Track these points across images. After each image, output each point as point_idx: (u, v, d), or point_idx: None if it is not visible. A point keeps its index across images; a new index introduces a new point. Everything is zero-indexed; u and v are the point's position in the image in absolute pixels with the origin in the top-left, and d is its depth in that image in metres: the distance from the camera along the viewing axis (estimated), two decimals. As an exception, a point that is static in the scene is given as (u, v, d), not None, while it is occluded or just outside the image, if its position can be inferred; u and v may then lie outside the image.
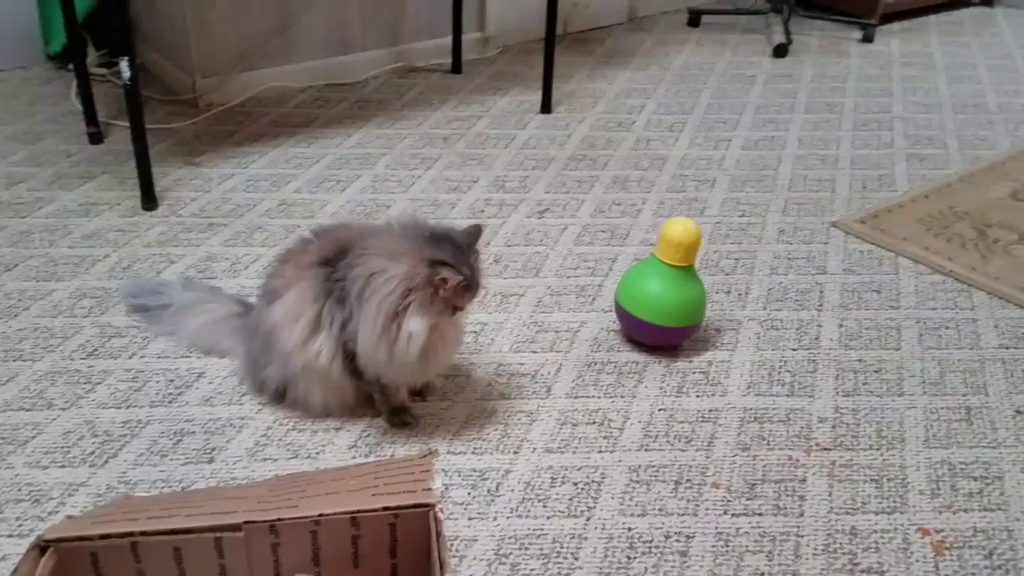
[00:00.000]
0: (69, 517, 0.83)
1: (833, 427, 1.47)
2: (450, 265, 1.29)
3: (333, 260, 1.36)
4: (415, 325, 1.29)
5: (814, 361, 1.63)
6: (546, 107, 2.60)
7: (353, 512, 0.81)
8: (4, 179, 2.13)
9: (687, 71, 2.96)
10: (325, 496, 0.85)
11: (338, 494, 0.86)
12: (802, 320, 1.74)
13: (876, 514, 1.31)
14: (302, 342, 1.37)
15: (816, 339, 1.69)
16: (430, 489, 0.85)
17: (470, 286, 1.32)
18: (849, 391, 1.56)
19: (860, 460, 1.41)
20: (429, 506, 0.83)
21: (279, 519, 0.79)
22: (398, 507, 0.82)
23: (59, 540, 0.75)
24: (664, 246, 1.56)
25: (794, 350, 1.66)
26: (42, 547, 0.75)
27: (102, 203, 2.05)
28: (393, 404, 1.46)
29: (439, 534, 0.79)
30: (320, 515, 0.80)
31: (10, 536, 1.22)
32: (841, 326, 1.73)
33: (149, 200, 2.03)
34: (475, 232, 1.37)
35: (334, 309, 1.34)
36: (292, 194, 2.13)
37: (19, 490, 1.30)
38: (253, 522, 0.78)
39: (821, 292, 1.83)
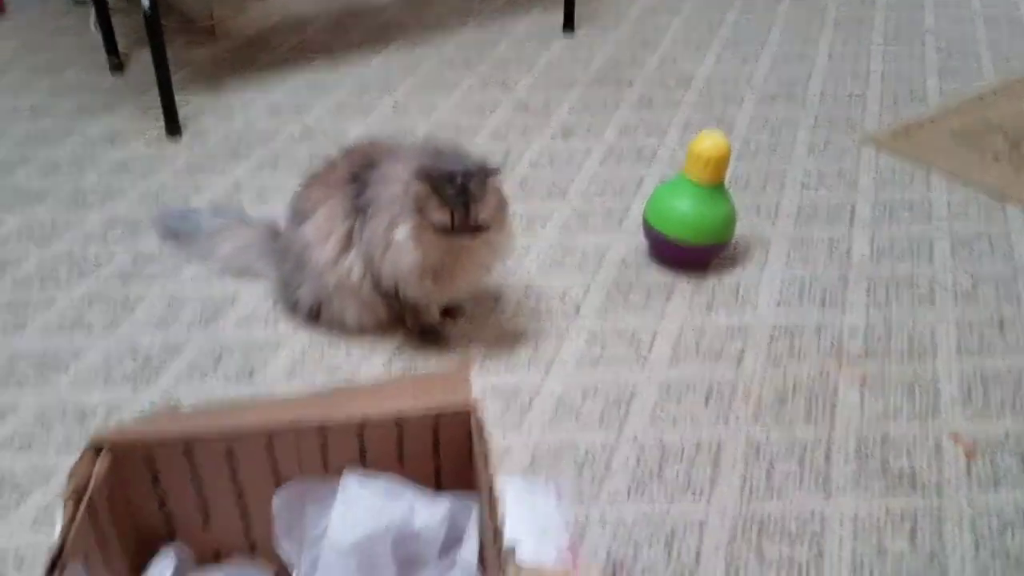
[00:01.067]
0: (121, 423, 0.86)
1: (864, 339, 1.48)
2: (432, 179, 1.26)
3: (360, 176, 1.36)
4: (400, 235, 1.29)
5: (845, 276, 1.62)
6: (568, 27, 2.55)
7: (397, 413, 0.83)
8: (29, 112, 2.14)
9: (712, -12, 2.88)
10: (369, 400, 0.86)
11: (381, 399, 0.87)
12: (833, 236, 1.73)
13: (908, 421, 1.32)
14: (333, 260, 1.38)
15: (847, 254, 1.68)
16: (470, 392, 0.87)
17: (449, 206, 1.26)
18: (880, 303, 1.55)
19: (892, 370, 1.41)
20: (470, 407, 0.84)
21: (327, 419, 0.81)
22: (440, 408, 0.84)
23: (113, 440, 0.78)
24: (693, 162, 1.54)
25: (825, 266, 1.65)
26: (97, 448, 0.77)
27: (127, 133, 2.05)
28: (423, 323, 1.47)
29: (481, 431, 0.81)
30: (366, 416, 0.82)
31: (58, 452, 1.26)
32: (872, 241, 1.71)
33: (173, 129, 2.03)
34: (487, 166, 1.31)
35: (362, 225, 1.35)
36: (314, 121, 2.12)
37: (64, 409, 1.33)
38: (302, 422, 0.80)
39: (852, 208, 1.81)
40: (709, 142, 1.53)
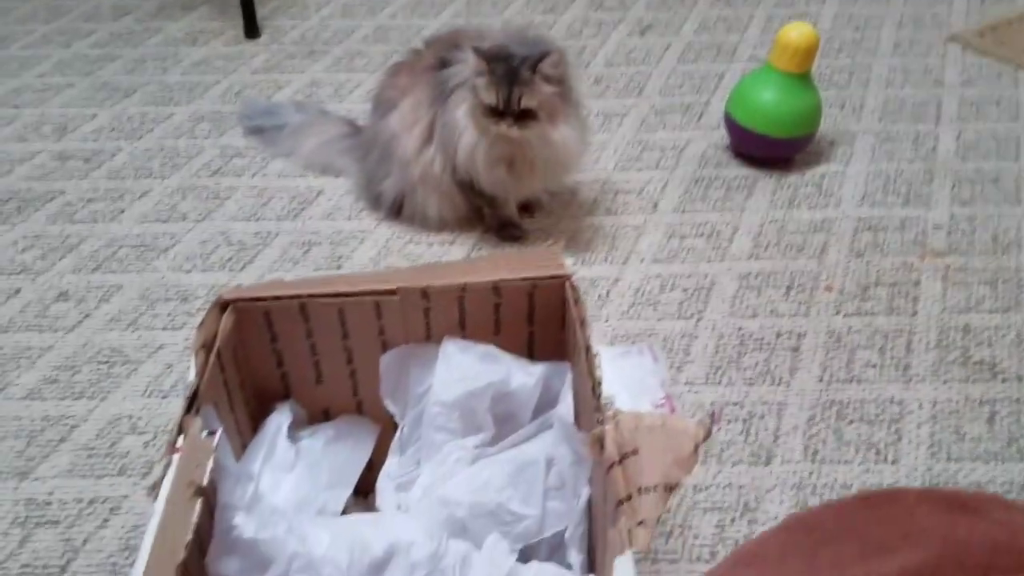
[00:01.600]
0: (239, 285, 0.91)
1: (949, 233, 1.46)
2: (486, 57, 1.26)
3: (445, 61, 1.37)
4: (459, 113, 1.32)
5: (930, 172, 1.60)
6: (644, -77, 2.47)
7: (495, 281, 0.86)
8: (112, 10, 2.18)
9: None
10: (467, 271, 0.90)
11: (478, 271, 0.91)
12: (918, 132, 1.69)
13: (990, 312, 1.31)
14: (417, 150, 1.40)
15: (933, 150, 1.64)
16: (563, 264, 0.89)
17: (495, 86, 1.26)
18: (966, 200, 1.53)
19: (975, 264, 1.40)
20: (565, 276, 0.87)
21: (430, 285, 0.85)
22: (536, 277, 0.87)
23: (236, 300, 0.83)
24: (779, 51, 1.51)
25: (910, 162, 1.62)
26: (223, 305, 0.82)
27: (207, 32, 2.09)
28: (502, 217, 1.49)
29: (577, 299, 0.84)
30: (466, 283, 0.86)
31: (164, 329, 1.33)
32: (958, 138, 1.67)
33: (251, 28, 2.06)
34: (545, 51, 1.29)
35: (442, 112, 1.37)
36: (388, 19, 2.13)
37: (167, 290, 1.40)
38: (407, 287, 0.84)
39: (938, 105, 1.77)
40: (797, 32, 1.50)
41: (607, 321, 1.34)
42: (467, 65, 1.31)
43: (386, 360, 0.87)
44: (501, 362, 0.86)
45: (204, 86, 1.90)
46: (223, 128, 1.77)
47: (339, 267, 1.44)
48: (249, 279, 1.41)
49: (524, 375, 0.86)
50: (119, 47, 2.04)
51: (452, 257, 1.47)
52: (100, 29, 2.11)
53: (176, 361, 1.27)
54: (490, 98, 1.27)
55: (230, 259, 1.46)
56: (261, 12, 2.13)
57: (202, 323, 0.79)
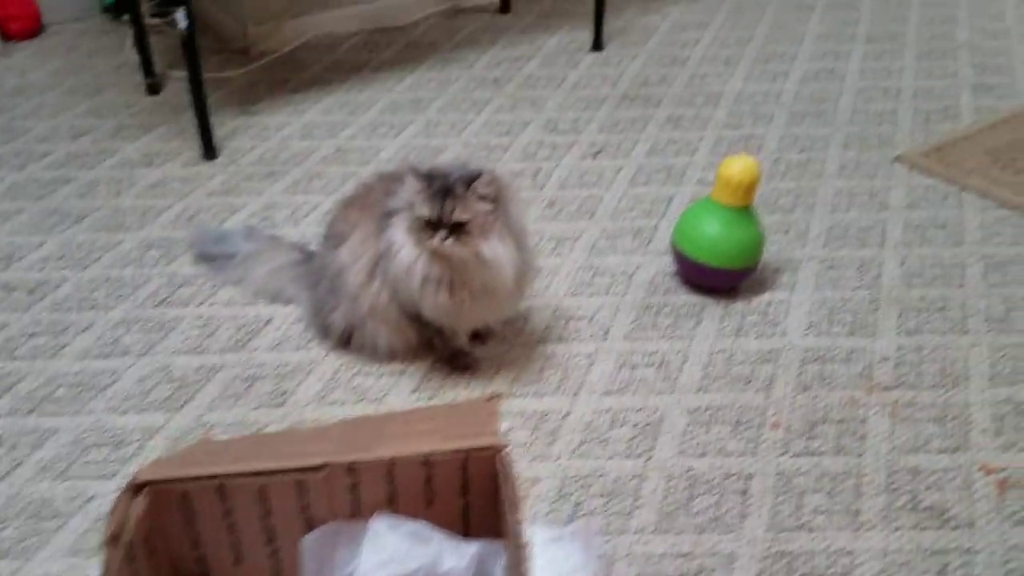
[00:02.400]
0: (158, 459, 0.88)
1: (895, 366, 1.46)
2: (421, 175, 1.31)
3: (391, 196, 1.39)
4: (395, 231, 1.35)
5: (875, 300, 1.61)
6: (597, 45, 2.56)
7: (426, 453, 0.84)
8: (69, 132, 2.18)
9: (743, 2, 2.88)
10: (398, 438, 0.88)
11: (409, 436, 0.89)
12: (863, 258, 1.72)
13: (939, 453, 1.31)
14: (364, 283, 1.40)
15: (878, 277, 1.67)
16: (497, 431, 0.88)
17: (429, 201, 1.30)
18: (912, 330, 1.54)
19: (923, 399, 1.40)
20: (497, 448, 0.85)
21: (357, 460, 0.82)
22: (468, 449, 0.85)
23: (151, 481, 0.80)
24: (722, 186, 1.54)
25: (855, 289, 1.64)
26: (136, 488, 0.79)
27: (164, 153, 2.09)
28: (452, 348, 1.48)
29: (508, 476, 0.82)
30: (395, 456, 0.83)
31: (95, 478, 1.29)
32: (903, 264, 1.70)
33: (209, 150, 2.07)
34: (476, 174, 1.32)
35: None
36: (347, 141, 2.15)
37: (101, 434, 1.36)
38: (332, 463, 0.82)
39: (883, 229, 1.80)
40: (739, 166, 1.52)
41: (557, 460, 1.32)
42: (406, 188, 1.35)
43: (308, 542, 0.84)
44: (432, 542, 0.83)
45: (157, 210, 1.89)
46: (172, 255, 1.75)
47: (282, 404, 1.42)
48: (186, 420, 1.38)
49: (456, 557, 0.83)
50: (74, 170, 2.04)
51: (401, 389, 1.45)
52: (56, 150, 2.11)
53: (105, 515, 1.22)
54: (424, 211, 1.31)
55: (168, 398, 1.42)
56: (220, 132, 2.14)
57: (113, 510, 0.76)
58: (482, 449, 0.85)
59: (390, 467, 0.84)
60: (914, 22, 2.70)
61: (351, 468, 0.83)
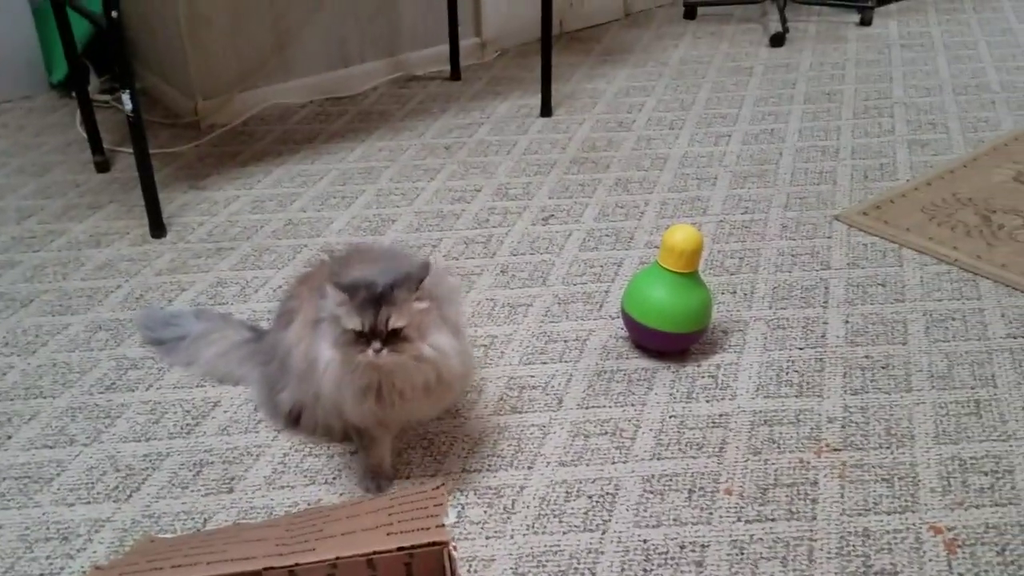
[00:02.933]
0: (97, 568, 0.86)
1: (843, 426, 1.49)
2: (344, 287, 1.21)
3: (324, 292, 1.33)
4: (318, 351, 1.26)
5: (821, 359, 1.64)
6: (546, 110, 2.61)
7: (369, 554, 0.83)
8: (15, 213, 2.16)
9: (685, 65, 2.96)
10: (341, 536, 0.87)
11: (353, 533, 0.88)
12: (808, 317, 1.75)
13: (888, 514, 1.32)
14: (304, 369, 1.38)
15: (823, 336, 1.70)
16: (443, 525, 0.87)
17: (359, 312, 1.20)
18: (857, 389, 1.57)
19: (871, 459, 1.42)
20: (443, 543, 0.85)
21: (297, 564, 0.81)
22: (412, 546, 0.85)
23: (87, 596, 0.78)
24: (667, 253, 1.57)
25: (801, 349, 1.67)
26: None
27: (112, 233, 2.08)
28: (370, 461, 1.39)
29: (454, 572, 0.81)
30: (337, 558, 0.83)
31: (41, 575, 1.25)
32: (847, 322, 1.74)
33: (157, 228, 2.06)
34: (408, 273, 1.24)
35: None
36: (298, 213, 2.16)
37: (47, 528, 1.33)
38: (273, 568, 0.81)
39: (826, 288, 1.84)
40: (681, 235, 1.56)
41: (512, 538, 1.31)
42: (328, 299, 1.25)
43: (253, 647, 0.83)
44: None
45: (105, 291, 1.88)
46: (120, 338, 1.73)
47: (231, 490, 1.40)
48: (134, 510, 1.35)
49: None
50: (20, 252, 2.01)
51: (352, 469, 1.43)
52: (2, 233, 2.09)
53: (48, 618, 1.19)
54: (353, 323, 1.20)
55: (116, 487, 1.40)
56: (169, 208, 2.14)
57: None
58: (427, 545, 0.85)
59: (332, 569, 0.83)
60: (850, 81, 2.79)
61: (292, 572, 0.82)
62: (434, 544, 0.85)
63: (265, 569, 0.80)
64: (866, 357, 1.64)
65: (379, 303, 1.20)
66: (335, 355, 1.25)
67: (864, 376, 1.60)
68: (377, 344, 1.20)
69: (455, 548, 0.84)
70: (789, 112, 2.60)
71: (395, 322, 1.21)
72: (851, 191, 2.18)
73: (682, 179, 2.26)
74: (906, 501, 1.34)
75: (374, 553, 0.83)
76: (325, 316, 1.27)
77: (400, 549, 0.84)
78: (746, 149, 2.40)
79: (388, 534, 0.86)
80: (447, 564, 0.83)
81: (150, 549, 0.90)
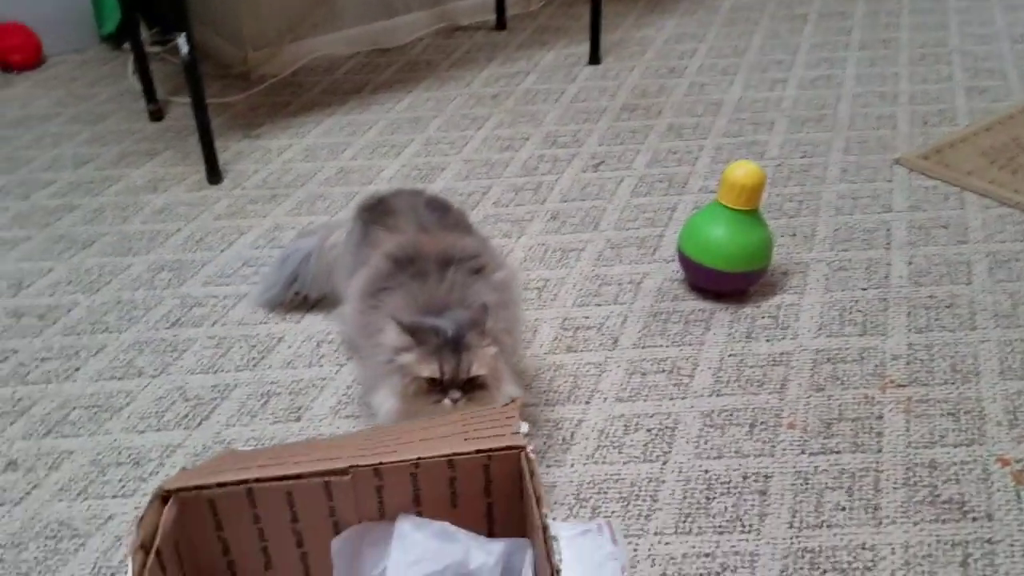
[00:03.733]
0: (184, 469, 0.88)
1: (907, 363, 1.47)
2: (407, 332, 1.11)
3: (399, 265, 1.26)
4: (380, 400, 1.15)
5: (885, 299, 1.62)
6: (594, 58, 2.58)
7: (449, 455, 0.84)
8: (72, 160, 2.20)
9: (736, 13, 2.91)
10: (420, 442, 0.88)
11: (432, 440, 0.89)
12: (871, 259, 1.73)
13: (955, 446, 1.31)
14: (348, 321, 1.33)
15: (885, 277, 1.68)
16: (518, 432, 0.88)
17: (437, 357, 1.11)
18: (921, 327, 1.55)
19: (936, 394, 1.40)
20: (520, 447, 0.85)
21: (382, 463, 0.83)
22: (491, 449, 0.85)
23: (179, 489, 0.80)
24: (727, 190, 1.55)
25: (864, 289, 1.65)
26: (164, 496, 0.79)
27: (168, 179, 2.11)
28: None
29: (532, 472, 0.82)
30: (419, 458, 0.84)
31: (115, 496, 1.29)
32: (910, 263, 1.71)
33: (214, 174, 2.08)
34: (479, 315, 1.15)
35: (366, 315, 1.26)
36: (349, 161, 2.16)
37: (119, 454, 1.36)
38: (358, 466, 0.82)
39: (888, 230, 1.81)
40: (742, 170, 1.54)
41: (572, 466, 1.32)
42: (387, 338, 1.14)
43: (337, 544, 0.84)
44: (458, 541, 0.83)
45: (165, 234, 1.90)
46: (183, 277, 1.76)
47: (298, 419, 1.42)
48: (204, 437, 1.38)
49: (483, 554, 0.83)
50: (79, 197, 2.05)
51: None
52: (60, 179, 2.12)
53: (126, 533, 1.22)
54: (430, 370, 1.10)
55: (186, 416, 1.42)
56: (224, 157, 2.16)
57: (141, 518, 0.76)
58: (504, 449, 0.86)
59: (414, 469, 0.84)
60: (906, 28, 2.73)
61: (376, 471, 0.83)
62: (512, 448, 0.85)
63: (351, 467, 0.82)
64: (930, 297, 1.62)
65: (457, 349, 1.10)
66: (399, 407, 1.13)
67: (928, 315, 1.58)
68: (456, 394, 1.11)
69: (533, 451, 0.84)
70: (845, 59, 2.55)
71: (477, 369, 1.11)
72: (911, 136, 2.14)
73: (737, 124, 2.23)
74: (972, 434, 1.33)
75: (454, 455, 0.84)
76: (381, 359, 1.16)
77: (479, 452, 0.85)
78: (803, 94, 2.36)
79: (466, 439, 0.87)
80: (525, 467, 0.84)
81: (233, 457, 0.92)
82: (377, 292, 1.25)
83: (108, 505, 1.27)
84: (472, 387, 1.12)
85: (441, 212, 1.40)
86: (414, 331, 1.12)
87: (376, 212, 1.42)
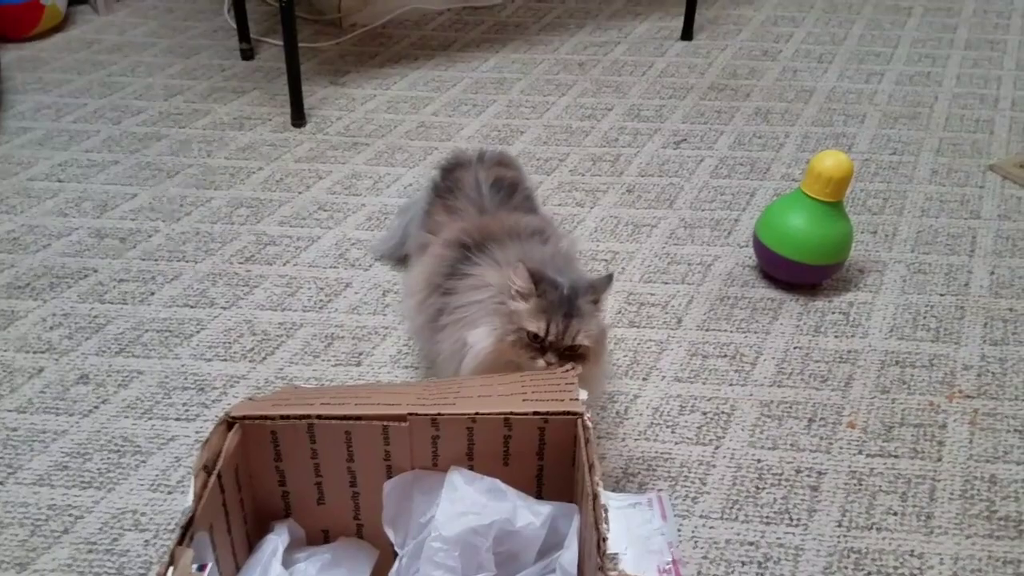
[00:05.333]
0: (250, 399, 0.91)
1: (978, 375, 1.43)
2: (537, 278, 1.05)
3: (468, 249, 1.20)
4: (477, 336, 1.07)
5: (962, 307, 1.57)
6: (687, 34, 2.53)
7: (507, 413, 0.85)
8: (163, 90, 2.25)
9: (838, 1, 2.82)
10: (479, 398, 0.89)
11: (490, 397, 0.90)
12: (951, 265, 1.67)
13: (1018, 464, 1.27)
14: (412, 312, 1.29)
15: (965, 285, 1.62)
16: (577, 399, 0.88)
17: (544, 340, 1.04)
18: (997, 340, 1.50)
19: (1004, 410, 1.36)
20: (578, 414, 0.86)
21: (440, 413, 0.84)
22: (548, 412, 0.86)
23: (244, 417, 0.82)
24: (813, 179, 1.52)
25: (942, 295, 1.60)
26: (229, 423, 0.82)
27: (255, 117, 2.14)
28: None
29: (588, 440, 0.82)
30: (477, 413, 0.85)
31: (177, 419, 1.33)
32: (993, 273, 1.65)
33: (298, 117, 2.11)
34: (601, 284, 1.09)
35: (436, 302, 1.20)
36: (430, 116, 2.17)
37: (185, 378, 1.41)
38: (417, 414, 0.83)
39: (973, 237, 1.75)
40: (832, 160, 1.50)
41: (623, 440, 1.32)
42: (510, 280, 1.07)
43: (389, 487, 0.86)
44: (507, 499, 0.84)
45: (247, 171, 1.94)
46: (260, 215, 1.80)
47: (359, 364, 1.44)
48: (267, 371, 1.42)
49: (530, 515, 0.84)
50: (167, 127, 2.10)
51: (472, 361, 1.46)
52: (150, 108, 2.18)
53: (185, 455, 1.26)
54: (537, 326, 1.03)
55: (252, 349, 1.46)
56: (309, 101, 2.18)
57: (207, 441, 0.78)
58: (562, 414, 0.86)
59: (471, 423, 0.85)
60: (1016, 31, 2.61)
61: (434, 421, 0.84)
62: (569, 414, 0.86)
63: (409, 414, 0.83)
64: (1010, 310, 1.57)
65: (570, 313, 1.04)
66: (494, 348, 1.05)
67: (1006, 328, 1.52)
68: (553, 358, 1.04)
69: (590, 419, 0.85)
70: (948, 56, 2.45)
71: (582, 339, 1.05)
72: (1008, 142, 2.05)
73: (827, 114, 2.17)
74: (1041, 455, 1.29)
75: (512, 413, 0.85)
76: (491, 298, 1.09)
77: (536, 414, 0.85)
78: (899, 89, 2.28)
79: (524, 400, 0.87)
80: (580, 434, 0.84)
81: (296, 392, 0.94)
82: (448, 277, 1.18)
83: (171, 427, 1.32)
84: (571, 355, 1.05)
85: (506, 194, 1.34)
86: (539, 280, 1.05)
87: (445, 182, 1.38)
